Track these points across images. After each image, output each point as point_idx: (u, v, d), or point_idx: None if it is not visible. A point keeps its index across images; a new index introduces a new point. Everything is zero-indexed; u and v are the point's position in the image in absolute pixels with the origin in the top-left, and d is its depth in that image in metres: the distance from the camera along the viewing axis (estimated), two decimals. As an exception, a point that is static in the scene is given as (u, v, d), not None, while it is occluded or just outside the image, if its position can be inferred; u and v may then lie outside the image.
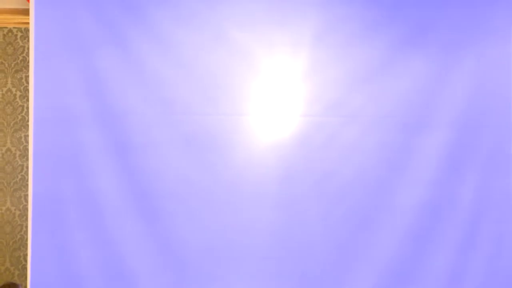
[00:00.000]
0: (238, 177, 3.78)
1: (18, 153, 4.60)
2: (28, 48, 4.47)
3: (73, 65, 3.72)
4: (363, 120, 3.79)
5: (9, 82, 4.57)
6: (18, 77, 4.53)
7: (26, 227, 4.34)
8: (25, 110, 4.53)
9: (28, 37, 4.41)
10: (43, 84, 3.71)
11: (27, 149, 4.26)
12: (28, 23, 3.81)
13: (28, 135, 3.94)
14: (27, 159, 4.11)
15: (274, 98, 3.79)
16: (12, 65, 4.58)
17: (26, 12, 3.94)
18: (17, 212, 4.61)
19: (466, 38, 3.81)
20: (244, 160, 3.78)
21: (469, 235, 3.80)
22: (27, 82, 4.40)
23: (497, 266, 3.80)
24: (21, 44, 4.55)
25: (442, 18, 3.81)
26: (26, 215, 4.31)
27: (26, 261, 4.36)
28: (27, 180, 3.89)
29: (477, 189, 3.81)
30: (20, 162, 4.56)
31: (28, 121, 3.93)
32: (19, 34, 4.55)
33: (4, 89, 4.53)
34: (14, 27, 4.59)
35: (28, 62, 4.01)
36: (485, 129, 3.82)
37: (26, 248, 4.02)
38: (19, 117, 4.55)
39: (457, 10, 3.81)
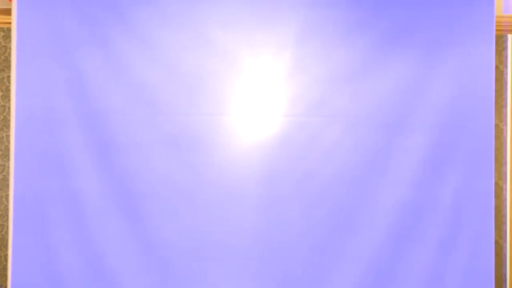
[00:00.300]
0: (221, 177, 3.78)
1: (-1, 153, 4.62)
2: (10, 48, 4.44)
3: (55, 65, 3.71)
4: (345, 120, 3.80)
5: (-9, 82, 4.59)
6: (0, 77, 4.54)
7: (7, 227, 4.35)
8: (7, 110, 4.54)
9: (10, 37, 4.36)
10: (25, 84, 3.69)
11: (9, 149, 4.22)
12: (10, 23, 3.80)
13: (9, 135, 3.91)
14: (9, 159, 4.13)
15: (257, 99, 3.80)
16: (-5, 65, 4.60)
17: (8, 12, 3.94)
18: (-2, 212, 4.63)
19: (448, 38, 3.82)
20: (227, 160, 3.78)
21: (449, 235, 3.81)
22: (9, 82, 4.41)
23: (477, 265, 3.82)
24: (3, 44, 4.55)
25: (424, 18, 3.82)
26: (7, 215, 4.32)
27: (7, 261, 4.36)
28: (9, 180, 3.88)
29: (458, 189, 3.82)
30: (1, 162, 4.56)
31: (10, 121, 3.89)
32: (1, 34, 4.56)
33: (-14, 89, 4.53)
34: (-3, 27, 4.60)
35: (11, 62, 3.96)
36: (466, 129, 3.82)
37: (7, 248, 3.98)
38: (1, 117, 4.55)
39: (438, 10, 3.82)
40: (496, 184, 4.45)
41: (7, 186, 4.45)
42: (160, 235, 3.74)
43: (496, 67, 4.34)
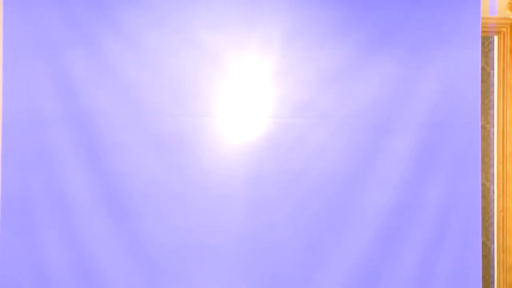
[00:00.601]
0: (208, 178, 3.79)
1: (-13, 154, 4.61)
2: None
3: (42, 66, 3.72)
4: (332, 122, 3.81)
5: (-21, 84, 4.58)
6: None
7: None
8: None
9: None
10: (12, 85, 3.70)
11: None
12: None
13: None
14: None
15: (243, 100, 3.81)
16: (-19, 67, 4.59)
17: None
18: (-14, 213, 4.60)
19: (434, 40, 3.84)
20: (213, 161, 3.80)
21: (437, 236, 3.84)
22: None
23: (464, 267, 3.84)
24: None
25: (410, 20, 3.84)
26: None
27: None
28: None
29: (445, 190, 3.84)
30: None
31: None
32: None
33: (-26, 91, 4.52)
34: (-16, 29, 4.59)
35: None
36: (453, 131, 3.85)
37: None
38: None
39: (425, 12, 3.84)
40: (483, 185, 4.48)
41: (-5, 187, 4.44)
42: (147, 235, 3.75)
43: (482, 68, 4.36)
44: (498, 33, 4.32)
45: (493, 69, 4.43)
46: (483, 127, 4.56)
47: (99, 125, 3.73)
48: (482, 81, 4.11)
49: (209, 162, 3.79)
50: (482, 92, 3.98)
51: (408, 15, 3.83)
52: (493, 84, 4.44)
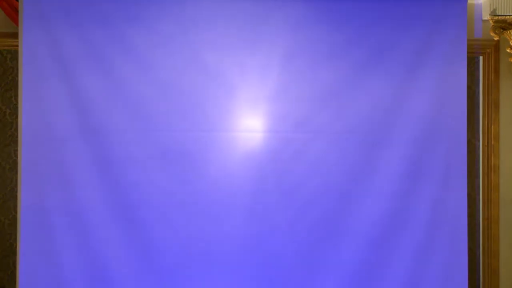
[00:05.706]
0: (213, 189, 3.90)
1: (7, 166, 4.67)
2: (17, 69, 4.49)
3: (58, 85, 3.83)
4: (328, 136, 3.93)
5: (-1, 100, 4.69)
6: (8, 96, 4.59)
7: (15, 235, 4.38)
8: (14, 126, 4.58)
9: (17, 58, 4.41)
10: (31, 103, 3.80)
11: (16, 163, 4.28)
12: (17, 45, 3.90)
13: (17, 150, 3.95)
14: (16, 173, 4.16)
15: (246, 116, 3.93)
16: (2, 84, 4.64)
17: (15, 35, 4.01)
18: (7, 222, 4.66)
19: (424, 61, 3.95)
20: (218, 173, 3.91)
21: (426, 242, 3.95)
22: (16, 101, 4.45)
23: (452, 271, 3.95)
24: (10, 65, 4.59)
25: (401, 41, 3.95)
26: (15, 224, 4.38)
27: (15, 267, 4.46)
28: (16, 192, 3.93)
29: (434, 199, 3.95)
30: (9, 175, 4.62)
31: (17, 137, 3.97)
32: (9, 56, 4.60)
33: (-6, 107, 4.57)
34: (4, 50, 4.65)
35: (17, 82, 4.05)
36: (441, 144, 3.96)
37: (15, 255, 4.06)
38: (9, 133, 4.61)
39: (416, 34, 3.95)
40: (469, 195, 4.47)
41: (15, 197, 4.51)
42: (156, 242, 3.87)
43: (469, 87, 4.30)
44: (483, 53, 4.38)
45: (478, 88, 4.48)
46: (469, 141, 4.63)
47: (112, 140, 3.86)
48: (468, 98, 4.02)
49: (214, 174, 3.91)
50: (468, 109, 3.94)
51: (399, 37, 3.95)
52: (479, 102, 4.49)
